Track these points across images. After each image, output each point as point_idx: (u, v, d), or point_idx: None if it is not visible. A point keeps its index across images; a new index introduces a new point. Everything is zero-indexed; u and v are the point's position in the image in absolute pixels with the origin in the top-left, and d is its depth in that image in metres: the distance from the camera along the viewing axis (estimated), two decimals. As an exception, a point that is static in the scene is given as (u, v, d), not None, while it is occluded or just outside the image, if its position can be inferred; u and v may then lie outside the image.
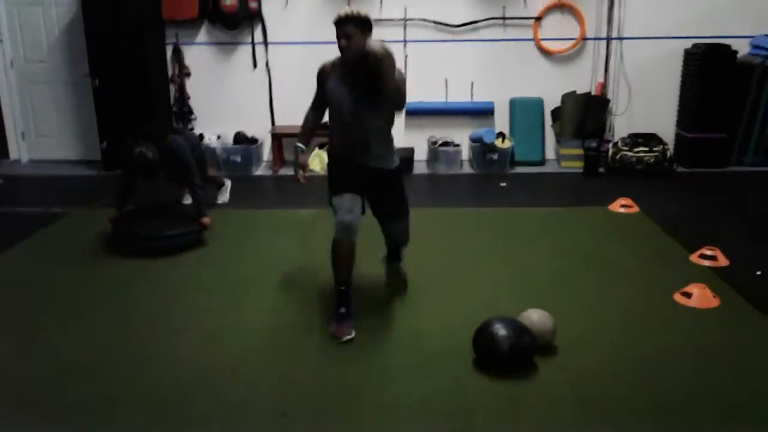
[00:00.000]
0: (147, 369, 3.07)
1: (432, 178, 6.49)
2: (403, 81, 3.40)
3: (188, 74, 6.88)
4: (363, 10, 3.38)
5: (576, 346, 3.23)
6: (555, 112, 6.78)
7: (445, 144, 6.71)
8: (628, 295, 3.76)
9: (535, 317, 3.17)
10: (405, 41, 6.72)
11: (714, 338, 3.30)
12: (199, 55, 6.86)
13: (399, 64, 6.52)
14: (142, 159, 4.33)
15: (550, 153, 6.95)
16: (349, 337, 3.30)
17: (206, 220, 4.64)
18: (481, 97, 6.84)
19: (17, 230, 4.88)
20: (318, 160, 6.58)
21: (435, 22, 6.67)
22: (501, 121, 6.88)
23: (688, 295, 3.63)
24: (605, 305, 3.66)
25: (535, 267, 4.20)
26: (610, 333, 3.37)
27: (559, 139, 6.76)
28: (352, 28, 3.30)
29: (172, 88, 6.88)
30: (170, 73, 6.85)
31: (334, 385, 2.92)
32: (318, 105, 3.67)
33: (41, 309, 3.70)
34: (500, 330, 3.00)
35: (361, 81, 3.28)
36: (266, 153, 6.97)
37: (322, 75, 3.52)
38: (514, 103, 6.79)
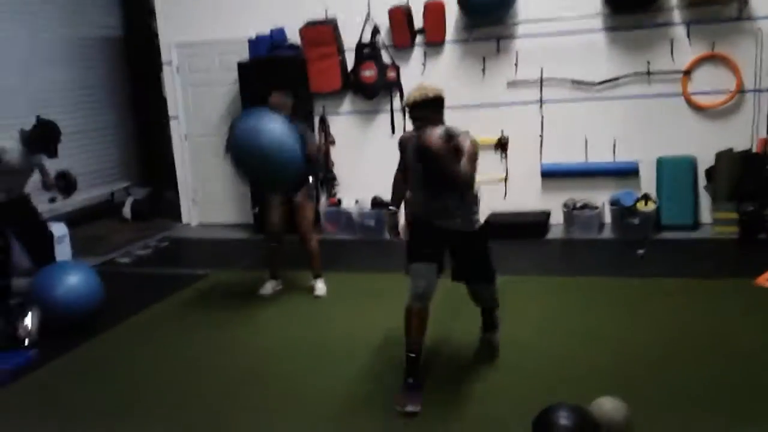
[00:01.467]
0: None
1: (566, 244, 6.20)
2: (472, 158, 3.37)
3: (333, 142, 7.28)
4: (434, 88, 3.48)
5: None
6: (709, 172, 6.19)
7: (584, 207, 6.39)
8: (738, 392, 3.29)
9: (606, 407, 2.90)
10: (541, 101, 6.58)
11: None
12: (342, 124, 7.25)
13: (534, 125, 6.43)
14: None
15: (706, 216, 6.32)
16: (412, 408, 3.24)
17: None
18: (624, 156, 6.45)
19: (160, 290, 5.43)
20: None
21: (573, 81, 6.46)
22: (647, 182, 6.41)
23: (816, 392, 3.10)
24: (708, 401, 3.23)
25: (644, 347, 3.83)
26: None
27: (714, 202, 6.15)
28: (421, 111, 3.43)
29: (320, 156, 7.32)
30: (319, 141, 7.30)
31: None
32: (404, 169, 3.80)
33: (127, 379, 4.08)
34: (561, 419, 2.78)
35: (428, 166, 3.41)
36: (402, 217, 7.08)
37: (403, 143, 3.69)
38: (661, 163, 6.30)
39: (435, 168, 3.34)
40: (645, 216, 6.07)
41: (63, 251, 6.46)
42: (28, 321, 4.41)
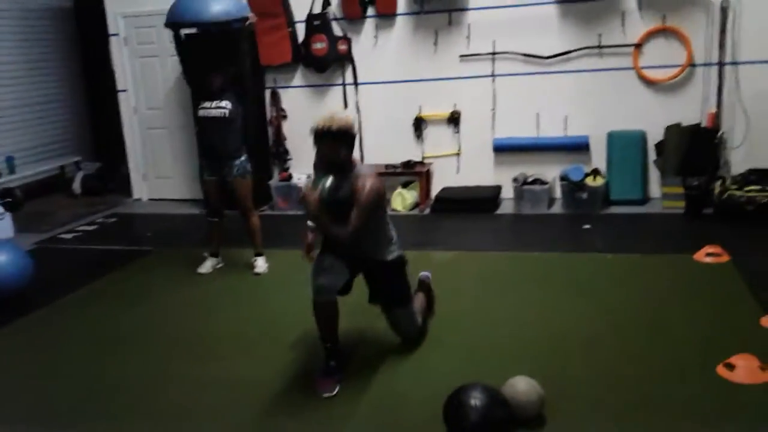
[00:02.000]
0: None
1: (515, 219, 6.16)
2: (366, 208, 3.18)
3: (285, 116, 7.15)
4: (343, 120, 3.23)
5: (573, 419, 2.87)
6: (659, 146, 6.16)
7: (536, 182, 6.35)
8: (663, 363, 3.29)
9: (520, 387, 2.86)
10: (493, 75, 6.49)
11: (750, 419, 2.79)
12: (294, 97, 7.11)
13: (486, 99, 6.26)
14: None
15: (655, 191, 6.30)
16: (329, 394, 3.18)
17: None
18: (575, 131, 6.40)
19: (101, 267, 5.33)
20: (400, 199, 6.53)
21: (524, 55, 6.38)
22: (598, 157, 6.37)
23: (732, 367, 3.09)
24: (631, 372, 3.22)
25: (576, 323, 3.80)
26: (616, 409, 2.95)
27: (663, 176, 6.12)
28: (323, 143, 3.19)
29: (271, 130, 7.19)
30: (268, 116, 7.16)
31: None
32: None
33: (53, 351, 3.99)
34: (471, 399, 2.74)
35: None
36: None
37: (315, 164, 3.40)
38: (612, 137, 6.26)
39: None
40: (593, 191, 6.04)
41: (4, 228, 6.31)
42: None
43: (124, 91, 7.61)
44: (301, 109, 7.09)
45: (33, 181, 8.03)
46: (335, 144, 3.19)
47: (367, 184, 3.18)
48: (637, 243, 5.16)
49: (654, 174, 6.29)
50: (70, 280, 5.04)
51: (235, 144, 4.86)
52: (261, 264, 5.02)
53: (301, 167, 7.05)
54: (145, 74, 7.50)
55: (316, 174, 3.32)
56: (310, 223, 3.57)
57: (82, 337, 4.10)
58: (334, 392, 3.19)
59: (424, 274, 3.97)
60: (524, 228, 5.89)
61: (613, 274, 4.55)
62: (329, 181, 3.14)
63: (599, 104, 6.31)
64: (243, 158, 4.88)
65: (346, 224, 3.16)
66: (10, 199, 5.33)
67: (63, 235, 6.43)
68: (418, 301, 3.72)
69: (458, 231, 5.84)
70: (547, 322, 3.85)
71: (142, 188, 7.80)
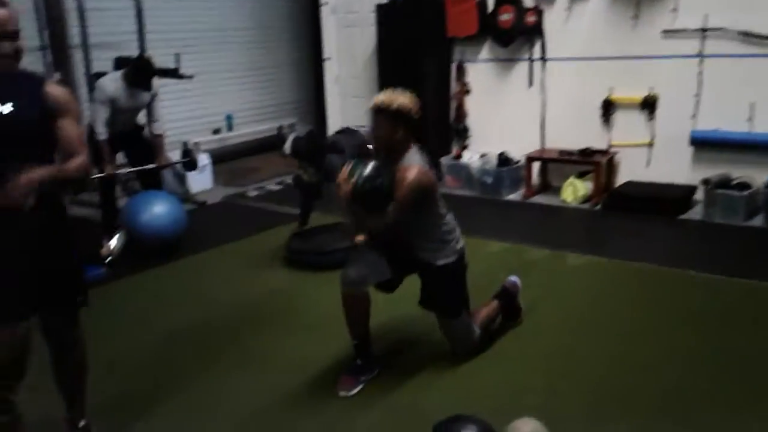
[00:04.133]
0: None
1: (699, 227, 5.20)
2: (405, 202, 2.91)
3: (468, 91, 6.88)
4: (404, 100, 2.96)
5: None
6: None
7: (738, 186, 5.31)
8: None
9: (525, 430, 2.44)
10: (701, 56, 5.51)
11: None
12: (479, 72, 6.79)
13: (690, 83, 5.32)
14: (298, 181, 4.69)
15: None
16: (345, 393, 3.02)
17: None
18: (801, 128, 5.20)
19: (258, 225, 5.70)
20: (571, 189, 5.93)
21: (743, 33, 5.29)
22: (828, 163, 5.12)
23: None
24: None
25: (661, 373, 3.10)
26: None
27: None
28: (377, 120, 2.98)
29: (453, 105, 6.97)
30: (454, 89, 6.95)
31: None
32: None
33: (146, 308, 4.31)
34: (460, 433, 2.41)
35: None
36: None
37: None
38: None
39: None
40: (806, 205, 4.87)
41: (204, 180, 7.08)
42: (114, 242, 4.91)
43: (329, 59, 7.94)
44: (485, 85, 6.77)
45: (253, 139, 8.83)
46: (392, 124, 2.95)
47: (409, 175, 2.89)
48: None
49: None
50: (225, 234, 5.46)
51: None
52: None
53: (480, 144, 6.78)
54: (349, 42, 7.73)
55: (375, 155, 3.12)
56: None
57: (191, 289, 4.45)
58: (351, 393, 3.02)
59: (510, 280, 3.56)
60: (700, 240, 4.97)
61: (746, 308, 3.65)
62: (368, 169, 2.92)
63: (837, 97, 5.03)
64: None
65: (383, 216, 2.94)
66: (188, 159, 5.93)
67: (250, 192, 6.98)
68: (487, 310, 3.35)
69: (619, 234, 5.15)
70: (637, 365, 3.18)
71: (338, 154, 8.13)
